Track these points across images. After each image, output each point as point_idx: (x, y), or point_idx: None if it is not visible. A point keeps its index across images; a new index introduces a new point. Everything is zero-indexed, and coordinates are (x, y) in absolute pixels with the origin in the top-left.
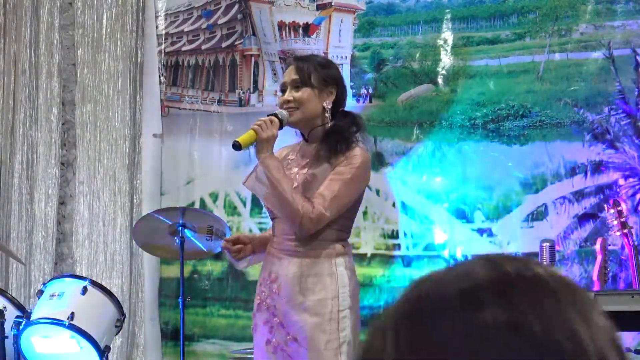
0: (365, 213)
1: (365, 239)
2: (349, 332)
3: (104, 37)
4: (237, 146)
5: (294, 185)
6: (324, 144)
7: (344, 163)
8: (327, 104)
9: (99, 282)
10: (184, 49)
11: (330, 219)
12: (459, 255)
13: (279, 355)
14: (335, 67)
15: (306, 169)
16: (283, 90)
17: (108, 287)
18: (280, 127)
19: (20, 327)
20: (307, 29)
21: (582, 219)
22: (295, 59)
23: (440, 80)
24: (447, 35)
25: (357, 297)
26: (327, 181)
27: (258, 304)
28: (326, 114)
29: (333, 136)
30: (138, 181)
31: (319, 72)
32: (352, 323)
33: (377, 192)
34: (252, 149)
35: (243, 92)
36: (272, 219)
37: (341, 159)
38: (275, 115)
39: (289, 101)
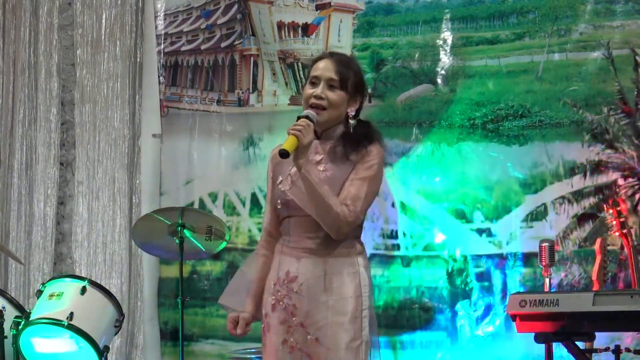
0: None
1: (365, 239)
2: (368, 332)
3: (103, 37)
4: (285, 154)
5: None
6: (344, 141)
7: (361, 162)
8: (351, 111)
9: (98, 282)
10: (183, 49)
11: (362, 220)
12: (458, 255)
13: (295, 355)
14: (364, 76)
15: (322, 165)
16: (313, 83)
17: (107, 287)
18: None
19: (20, 327)
20: (307, 29)
21: (582, 219)
22: (334, 58)
23: (439, 80)
24: (447, 35)
25: (373, 296)
26: (353, 182)
27: (273, 304)
28: (349, 121)
29: (355, 135)
30: (137, 181)
31: (355, 79)
32: (370, 322)
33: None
34: (250, 149)
35: (242, 92)
36: (286, 217)
37: (359, 156)
38: (308, 117)
39: (321, 98)
